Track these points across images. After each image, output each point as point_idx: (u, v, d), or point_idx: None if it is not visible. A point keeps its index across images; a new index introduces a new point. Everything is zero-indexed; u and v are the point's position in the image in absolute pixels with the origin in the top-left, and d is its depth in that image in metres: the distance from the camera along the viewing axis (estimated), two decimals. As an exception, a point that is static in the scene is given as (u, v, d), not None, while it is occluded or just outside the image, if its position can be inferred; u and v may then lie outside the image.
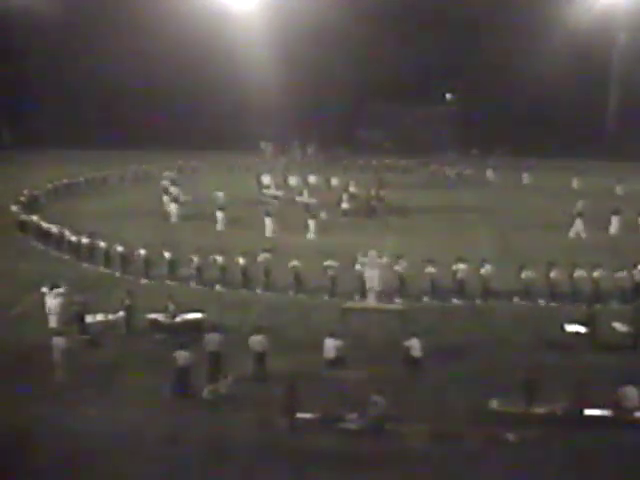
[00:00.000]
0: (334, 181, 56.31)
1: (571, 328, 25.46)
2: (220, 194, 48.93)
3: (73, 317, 26.00)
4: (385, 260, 28.68)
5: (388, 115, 78.71)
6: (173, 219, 44.54)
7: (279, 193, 51.66)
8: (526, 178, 60.92)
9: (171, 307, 26.23)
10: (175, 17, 69.52)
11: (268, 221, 41.34)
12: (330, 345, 23.13)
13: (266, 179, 55.67)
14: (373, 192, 48.80)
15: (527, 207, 49.74)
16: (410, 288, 29.92)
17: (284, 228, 41.28)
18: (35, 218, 40.50)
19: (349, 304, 27.79)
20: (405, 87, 74.37)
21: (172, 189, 50.28)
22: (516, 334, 26.17)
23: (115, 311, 26.63)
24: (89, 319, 26.06)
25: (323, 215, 42.90)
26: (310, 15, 68.52)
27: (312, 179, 57.19)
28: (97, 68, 73.39)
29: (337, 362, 23.04)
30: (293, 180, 56.97)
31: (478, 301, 29.46)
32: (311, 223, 40.62)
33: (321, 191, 52.79)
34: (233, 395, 21.09)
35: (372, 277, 27.49)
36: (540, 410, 19.98)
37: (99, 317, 26.43)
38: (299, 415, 19.58)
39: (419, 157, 69.77)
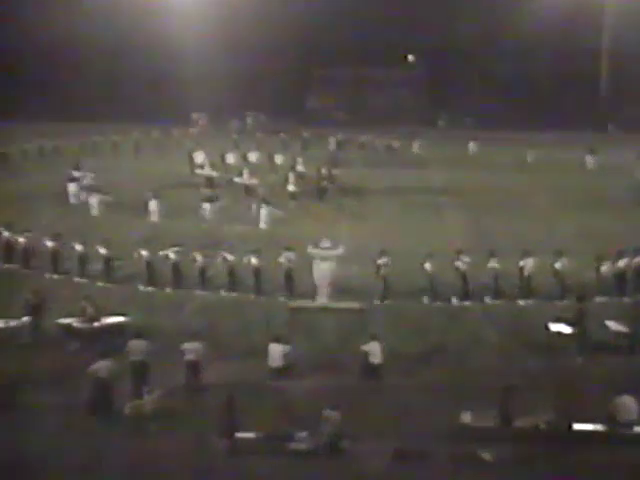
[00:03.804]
0: (278, 159, 56.09)
1: (557, 327, 25.62)
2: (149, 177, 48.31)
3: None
4: (339, 250, 28.60)
5: (340, 81, 78.74)
6: (94, 212, 43.61)
7: (215, 173, 51.26)
8: (473, 148, 62.18)
9: (88, 310, 25.88)
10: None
11: (207, 207, 41.09)
12: (276, 351, 23.09)
13: (199, 157, 55.18)
14: (324, 171, 48.73)
15: (502, 187, 50.23)
16: (369, 284, 30.03)
17: (224, 215, 41.10)
18: None
19: (297, 303, 27.73)
20: (359, 48, 74.44)
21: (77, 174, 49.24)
22: (492, 336, 26.35)
23: (18, 315, 26.11)
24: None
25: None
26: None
27: (253, 157, 56.83)
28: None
29: (284, 371, 23.01)
30: (231, 158, 56.53)
31: (454, 300, 29.59)
32: (262, 209, 40.34)
33: (264, 171, 52.51)
34: (161, 412, 20.76)
35: (324, 271, 27.42)
36: (520, 424, 19.98)
37: (-4, 323, 25.85)
38: (240, 434, 19.40)
39: (376, 129, 69.88)
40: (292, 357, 23.19)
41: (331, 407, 19.47)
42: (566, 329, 25.35)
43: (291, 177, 47.45)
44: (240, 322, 27.50)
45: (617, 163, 55.55)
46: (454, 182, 51.43)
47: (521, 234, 37.15)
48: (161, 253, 31.14)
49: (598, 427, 19.89)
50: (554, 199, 45.82)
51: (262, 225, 39.70)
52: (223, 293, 30.28)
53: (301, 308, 27.70)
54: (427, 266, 29.63)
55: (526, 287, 29.78)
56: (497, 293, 29.72)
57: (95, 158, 56.94)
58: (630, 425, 19.75)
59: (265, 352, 23.14)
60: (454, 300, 29.45)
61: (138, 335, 23.03)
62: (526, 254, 29.98)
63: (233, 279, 30.47)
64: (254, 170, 51.05)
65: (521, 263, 29.93)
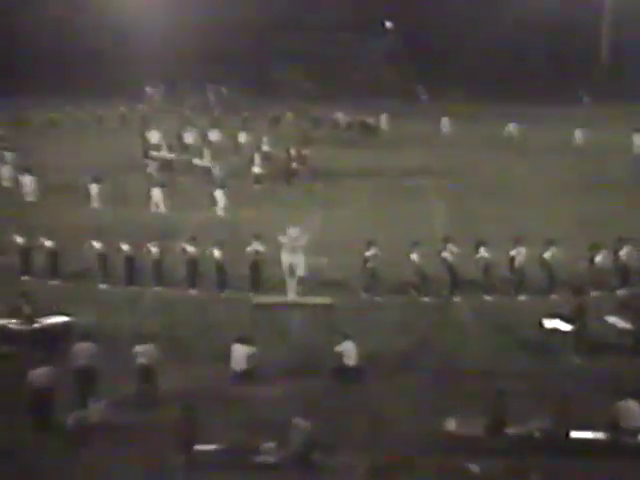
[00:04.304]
0: (241, 137, 55.90)
1: (552, 324, 25.66)
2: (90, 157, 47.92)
3: None
4: (303, 240, 28.70)
5: (308, 51, 78.73)
6: (29, 198, 43.32)
7: (172, 155, 50.92)
8: (445, 126, 62.88)
9: (25, 309, 25.65)
10: None
11: (157, 192, 40.80)
12: (240, 353, 23.04)
13: (154, 136, 54.87)
14: (294, 151, 48.65)
15: (487, 167, 50.57)
16: (344, 277, 30.15)
17: (180, 201, 41.01)
18: None
19: (263, 299, 27.64)
20: (330, 13, 74.41)
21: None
22: (480, 334, 26.41)
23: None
24: None
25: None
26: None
27: (213, 136, 56.56)
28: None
29: (249, 375, 22.97)
30: (189, 137, 56.17)
31: (443, 296, 29.59)
32: (219, 195, 40.17)
33: (226, 151, 52.34)
34: (110, 424, 20.62)
35: (293, 263, 27.34)
36: (512, 432, 19.96)
37: None
38: (199, 447, 19.25)
39: (350, 104, 69.96)
40: (258, 359, 23.09)
41: (301, 415, 19.34)
42: (563, 326, 25.37)
43: (257, 158, 47.34)
44: (201, 321, 27.46)
45: (606, 138, 55.97)
46: (434, 163, 51.68)
47: (511, 220, 37.23)
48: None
49: (599, 435, 19.85)
50: (546, 180, 46.16)
51: (219, 212, 39.52)
52: (182, 289, 30.13)
53: (267, 304, 27.58)
54: (414, 257, 29.54)
55: (518, 280, 29.73)
56: (487, 286, 29.70)
57: (28, 136, 56.62)
58: (635, 433, 19.71)
59: (228, 354, 23.05)
60: (443, 294, 29.50)
61: (84, 337, 22.79)
62: (518, 243, 29.92)
63: (193, 273, 30.33)
64: (216, 151, 50.99)
65: (512, 252, 29.89)
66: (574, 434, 19.81)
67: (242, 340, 23.19)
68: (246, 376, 22.93)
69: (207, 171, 46.60)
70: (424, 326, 27.14)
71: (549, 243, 29.89)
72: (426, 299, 29.33)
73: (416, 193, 44.37)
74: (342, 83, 77.23)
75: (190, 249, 30.37)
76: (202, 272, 30.37)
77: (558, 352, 24.58)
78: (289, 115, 66.50)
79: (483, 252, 29.74)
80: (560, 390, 20.77)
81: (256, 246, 29.90)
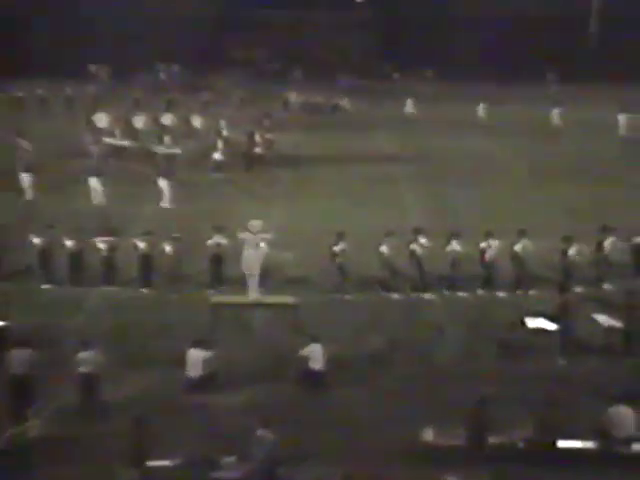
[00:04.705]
0: (196, 121, 55.74)
1: (535, 323, 25.73)
2: (25, 144, 47.73)
3: None
4: (268, 235, 28.67)
5: (272, 26, 78.70)
6: None
7: (126, 143, 50.55)
8: (410, 106, 63.73)
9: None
10: None
11: (94, 182, 40.61)
12: (196, 358, 22.91)
13: (102, 120, 54.54)
14: (257, 136, 48.63)
15: (462, 152, 50.89)
16: (311, 274, 30.18)
17: (128, 193, 40.89)
18: None
19: (222, 298, 27.58)
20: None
21: None
22: (458, 334, 26.39)
23: None
24: None
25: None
26: None
27: (167, 119, 56.26)
28: None
29: (206, 382, 22.86)
30: (139, 121, 55.85)
31: (412, 293, 29.61)
32: (163, 184, 40.03)
33: (181, 136, 52.21)
34: (50, 439, 20.44)
35: (253, 259, 27.29)
36: (494, 441, 19.99)
37: None
38: (152, 463, 19.10)
39: (317, 84, 70.14)
40: (216, 365, 22.99)
41: (264, 425, 19.21)
42: (547, 325, 25.43)
43: (219, 143, 47.29)
44: (153, 323, 27.32)
45: (590, 119, 56.49)
46: (406, 147, 52.10)
47: (490, 210, 37.41)
48: None
49: (588, 444, 19.90)
50: (527, 165, 46.47)
51: (165, 204, 39.55)
52: (134, 288, 30.05)
53: (227, 304, 27.54)
54: (384, 249, 29.52)
55: (487, 275, 29.78)
56: (458, 282, 29.75)
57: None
58: (627, 441, 19.76)
59: (183, 359, 22.92)
60: (412, 291, 29.53)
61: (22, 343, 22.54)
62: (489, 235, 29.89)
63: (146, 271, 30.23)
64: (171, 136, 50.75)
65: (483, 245, 29.86)
66: (561, 443, 19.84)
67: (199, 344, 23.05)
68: (203, 383, 22.78)
69: (170, 158, 46.39)
70: (396, 326, 27.13)
71: (521, 234, 29.91)
72: (395, 296, 29.35)
73: (387, 180, 44.48)
74: (309, 61, 77.30)
75: (142, 245, 30.21)
76: (155, 270, 30.23)
77: (542, 353, 24.65)
78: (249, 96, 66.41)
79: (455, 245, 29.71)
80: (545, 395, 20.74)
81: (218, 239, 29.88)
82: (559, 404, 20.22)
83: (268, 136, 49.19)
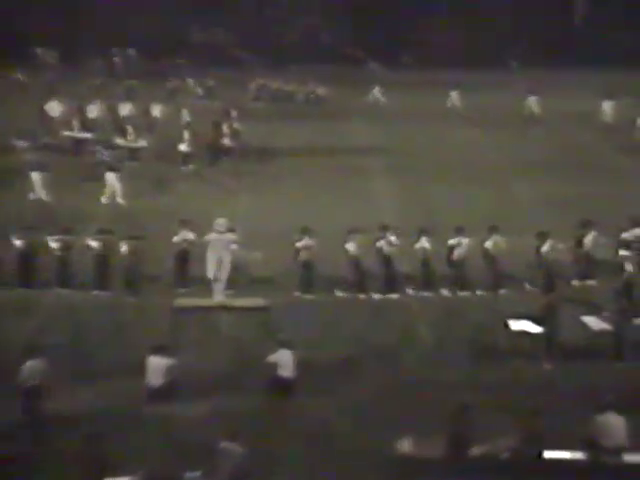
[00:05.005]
0: (156, 111, 55.64)
1: (519, 325, 25.76)
2: None
3: None
4: (233, 235, 28.81)
5: (237, 8, 78.79)
6: None
7: (88, 135, 50.25)
8: (378, 93, 64.53)
9: None
10: None
11: (35, 176, 40.42)
12: (157, 366, 22.77)
13: (54, 109, 54.21)
14: (225, 127, 48.58)
15: (438, 144, 51.01)
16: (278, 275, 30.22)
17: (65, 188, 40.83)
18: None
19: (185, 301, 27.54)
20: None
21: None
22: (436, 338, 26.46)
23: None
24: None
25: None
26: None
27: (124, 109, 56.06)
28: None
29: (167, 391, 22.73)
30: (94, 110, 55.54)
31: (377, 294, 29.72)
32: (111, 177, 39.86)
33: (141, 127, 51.98)
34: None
35: (220, 259, 27.27)
36: (476, 452, 19.88)
37: None
38: (109, 479, 18.81)
39: (287, 70, 70.19)
40: (178, 373, 22.87)
41: (231, 437, 19.03)
42: (532, 327, 25.47)
43: (185, 134, 47.16)
44: (110, 328, 27.26)
45: (571, 106, 56.92)
46: (378, 138, 51.86)
47: (467, 205, 37.62)
48: None
49: (576, 455, 19.82)
50: (506, 155, 46.59)
51: (118, 199, 39.53)
52: (88, 291, 29.96)
53: (190, 308, 27.52)
54: (349, 247, 29.55)
55: (456, 274, 29.89)
56: (428, 281, 29.86)
57: None
58: (617, 452, 19.69)
59: (143, 367, 22.79)
60: (378, 291, 29.70)
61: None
62: (459, 232, 29.99)
63: (100, 272, 30.11)
64: (130, 126, 50.51)
65: (451, 242, 29.91)
66: (547, 454, 19.71)
67: (160, 350, 22.90)
68: (164, 393, 22.62)
69: (132, 152, 46.40)
70: (364, 329, 27.21)
71: (492, 230, 30.05)
72: (362, 296, 29.48)
73: (358, 173, 44.66)
74: (278, 46, 77.45)
75: (95, 244, 30.16)
76: (112, 271, 30.17)
77: (527, 358, 24.72)
78: (214, 83, 66.43)
79: (424, 242, 29.76)
80: (530, 403, 20.77)
81: (185, 235, 29.92)
82: (545, 412, 20.27)
83: (236, 126, 49.20)
